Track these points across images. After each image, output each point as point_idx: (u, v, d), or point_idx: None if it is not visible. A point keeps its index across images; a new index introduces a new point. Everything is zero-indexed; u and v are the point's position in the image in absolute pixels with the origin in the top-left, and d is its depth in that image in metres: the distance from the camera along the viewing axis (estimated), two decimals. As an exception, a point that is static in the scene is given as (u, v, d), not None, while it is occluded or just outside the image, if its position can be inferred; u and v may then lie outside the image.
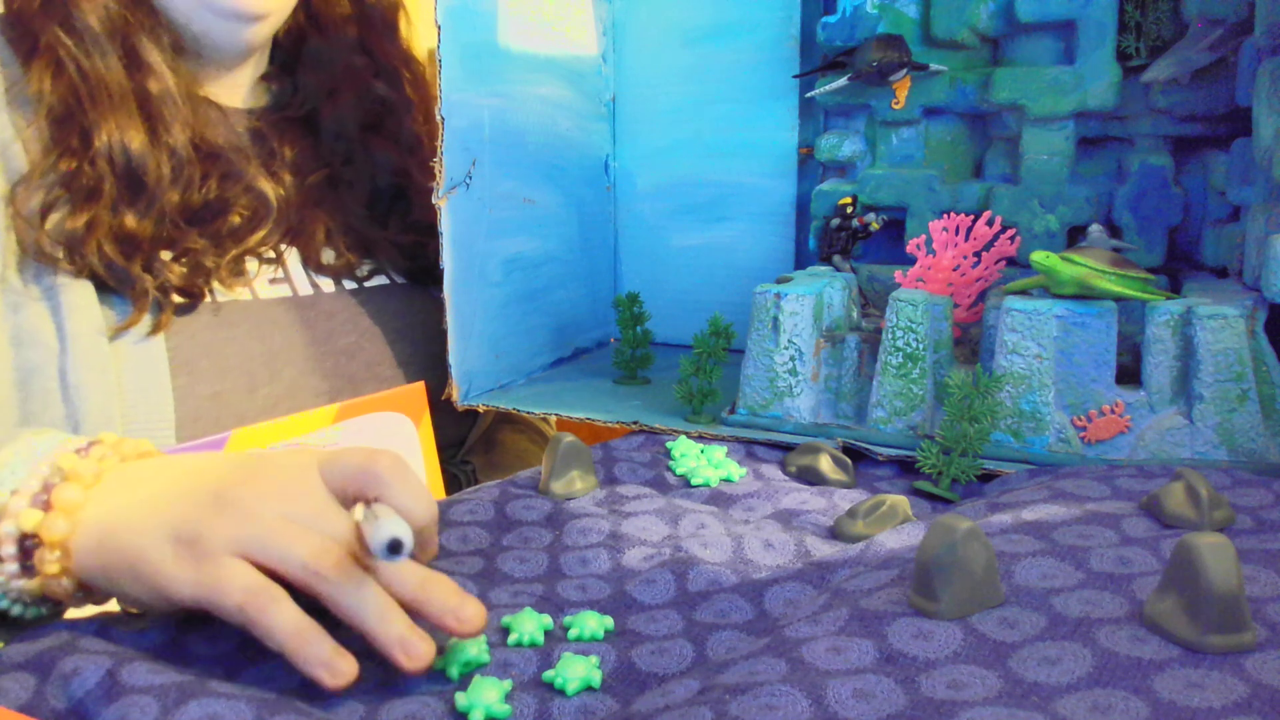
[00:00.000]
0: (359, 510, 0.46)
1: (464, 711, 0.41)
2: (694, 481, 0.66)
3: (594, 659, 0.45)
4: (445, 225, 0.78)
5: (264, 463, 0.49)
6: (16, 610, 0.49)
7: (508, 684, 0.43)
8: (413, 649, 0.43)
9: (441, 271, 0.79)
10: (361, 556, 0.45)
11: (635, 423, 0.76)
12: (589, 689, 0.43)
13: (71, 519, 0.47)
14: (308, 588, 0.44)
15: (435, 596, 0.45)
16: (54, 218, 0.69)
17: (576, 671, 0.43)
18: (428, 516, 0.47)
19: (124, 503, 0.48)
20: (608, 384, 0.90)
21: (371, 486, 0.47)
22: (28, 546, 0.47)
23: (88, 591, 0.49)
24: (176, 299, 0.73)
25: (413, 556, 0.43)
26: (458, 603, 0.44)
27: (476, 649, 0.45)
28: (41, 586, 0.48)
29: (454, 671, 0.44)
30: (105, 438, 0.52)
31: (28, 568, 0.48)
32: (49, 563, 0.47)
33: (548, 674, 0.44)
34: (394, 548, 0.41)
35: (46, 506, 0.48)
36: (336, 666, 0.42)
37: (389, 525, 0.41)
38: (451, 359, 0.80)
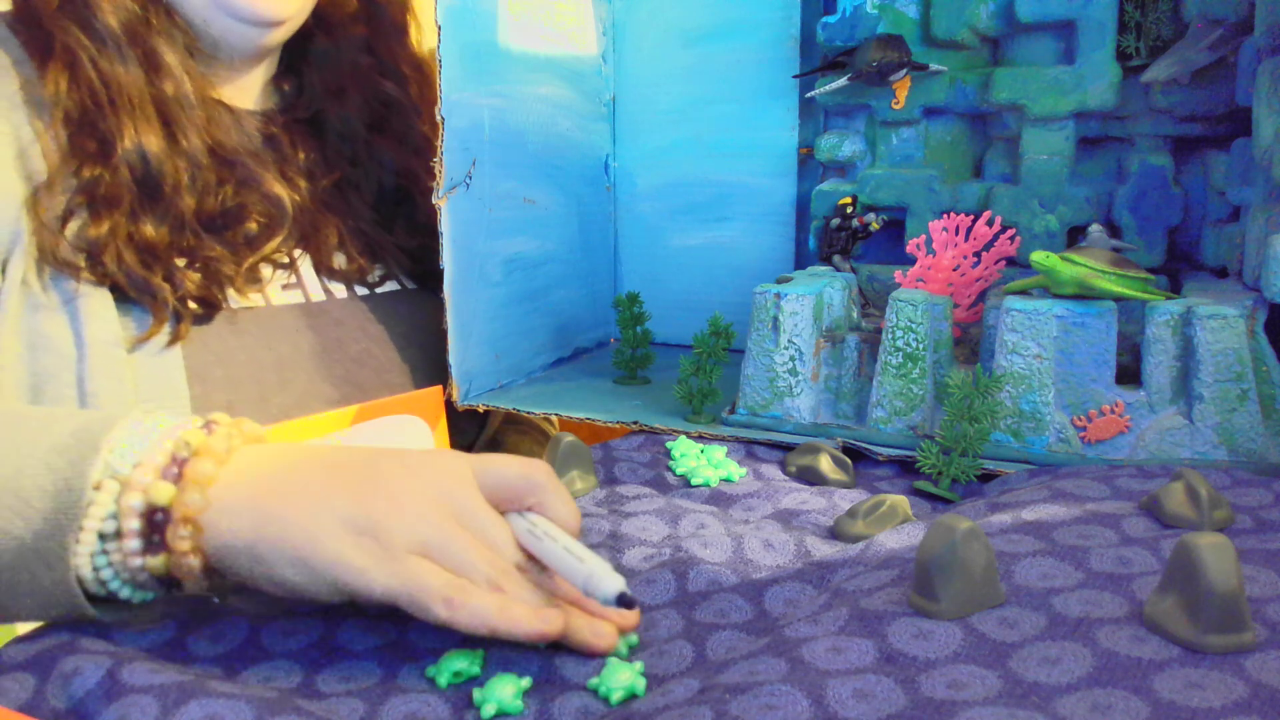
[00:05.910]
0: (514, 519, 0.49)
1: (478, 704, 0.41)
2: (694, 481, 0.66)
3: (639, 665, 0.44)
4: (445, 225, 0.78)
5: (423, 461, 0.49)
6: (126, 592, 0.46)
7: (526, 681, 0.43)
8: (601, 630, 0.45)
9: None
10: (522, 563, 0.47)
11: (635, 423, 0.76)
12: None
13: (206, 494, 0.45)
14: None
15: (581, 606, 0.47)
16: (74, 225, 0.68)
17: (621, 679, 0.43)
18: (579, 525, 0.50)
19: (271, 484, 0.46)
20: (608, 384, 0.90)
21: (530, 495, 0.49)
22: (156, 521, 0.45)
23: (211, 572, 0.46)
24: (195, 308, 0.72)
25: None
26: (599, 613, 0.47)
27: (468, 661, 0.45)
28: (167, 565, 0.46)
29: (443, 681, 0.44)
30: (221, 418, 0.50)
31: (153, 544, 0.45)
32: (181, 539, 0.45)
33: (592, 682, 0.43)
34: (624, 602, 0.44)
35: (178, 480, 0.45)
36: (547, 617, 0.44)
37: (611, 580, 0.44)
38: (451, 359, 0.80)
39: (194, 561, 0.45)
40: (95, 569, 0.45)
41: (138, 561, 0.45)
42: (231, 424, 0.50)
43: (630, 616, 0.47)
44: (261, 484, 0.46)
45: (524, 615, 0.43)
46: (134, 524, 0.45)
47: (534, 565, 0.48)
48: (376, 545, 0.44)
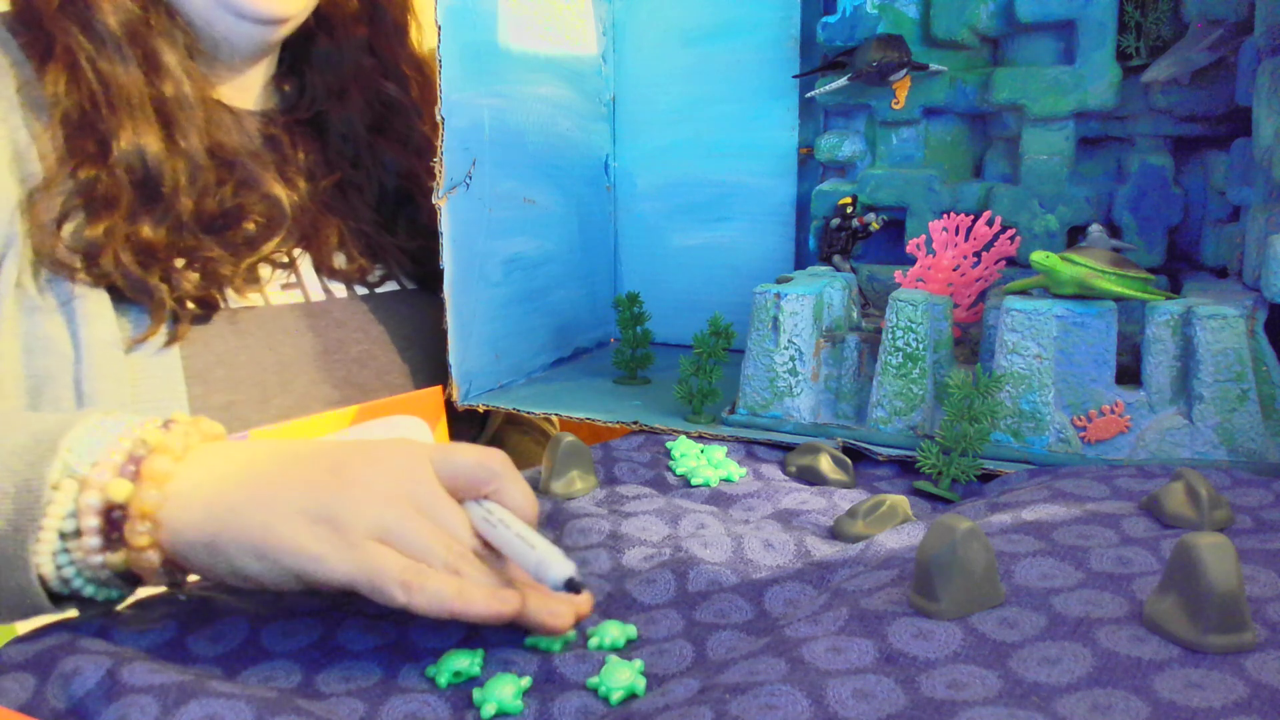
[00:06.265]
0: (471, 507, 0.49)
1: (478, 704, 0.41)
2: (694, 481, 0.66)
3: (639, 664, 0.44)
4: (445, 225, 0.78)
5: (380, 450, 0.49)
6: (89, 590, 0.47)
7: (526, 681, 0.43)
8: (556, 610, 0.46)
9: None
10: (479, 550, 0.48)
11: (635, 423, 0.76)
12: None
13: (163, 490, 0.46)
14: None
15: (537, 590, 0.47)
16: (70, 226, 0.68)
17: (621, 679, 0.43)
18: (534, 513, 0.50)
19: (227, 477, 0.47)
20: (608, 384, 0.90)
21: (487, 483, 0.49)
22: (114, 518, 0.46)
23: (171, 567, 0.47)
24: (193, 309, 0.72)
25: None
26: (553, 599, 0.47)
27: (468, 661, 0.45)
28: (126, 561, 0.46)
29: (443, 681, 0.44)
30: (180, 416, 0.50)
31: (112, 541, 0.46)
32: (139, 535, 0.45)
33: (592, 681, 0.43)
34: (572, 587, 0.44)
35: (135, 478, 0.46)
36: (504, 598, 0.44)
37: (560, 565, 0.44)
38: (451, 359, 0.80)
39: (153, 556, 0.46)
40: (58, 568, 0.46)
41: (98, 559, 0.46)
42: (189, 422, 0.50)
43: (582, 602, 0.47)
44: (218, 478, 0.47)
45: (481, 596, 0.44)
46: (92, 521, 0.46)
47: (490, 553, 0.49)
48: (334, 533, 0.44)
